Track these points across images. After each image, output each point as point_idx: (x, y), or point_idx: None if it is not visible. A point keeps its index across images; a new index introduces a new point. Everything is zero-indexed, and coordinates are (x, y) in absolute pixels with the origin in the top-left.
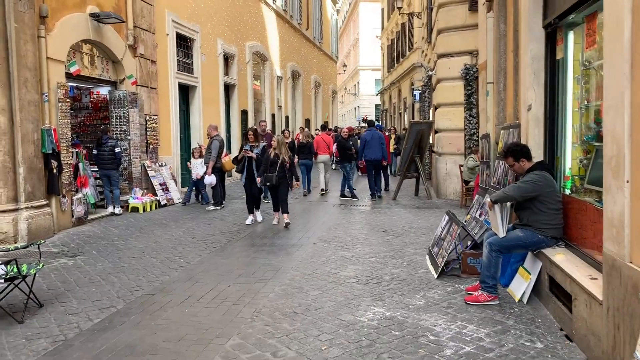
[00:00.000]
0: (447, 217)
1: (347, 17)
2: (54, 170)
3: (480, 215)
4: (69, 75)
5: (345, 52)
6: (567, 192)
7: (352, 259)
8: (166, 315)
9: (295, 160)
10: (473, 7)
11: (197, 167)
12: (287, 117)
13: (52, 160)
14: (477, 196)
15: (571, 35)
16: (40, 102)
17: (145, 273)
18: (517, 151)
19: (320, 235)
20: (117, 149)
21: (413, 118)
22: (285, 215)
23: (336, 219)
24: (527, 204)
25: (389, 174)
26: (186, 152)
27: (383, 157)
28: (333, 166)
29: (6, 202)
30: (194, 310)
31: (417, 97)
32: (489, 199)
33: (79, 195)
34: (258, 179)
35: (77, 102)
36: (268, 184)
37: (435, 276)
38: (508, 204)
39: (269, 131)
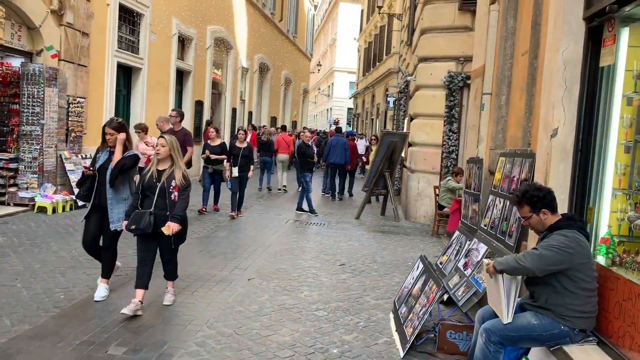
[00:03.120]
0: (421, 266)
1: (326, 16)
2: None
3: (465, 267)
4: None
5: (321, 51)
6: (603, 262)
7: (294, 310)
8: None
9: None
10: (464, 7)
11: None
12: (250, 113)
13: None
14: (457, 233)
15: (625, 34)
16: None
17: (1, 314)
18: (538, 199)
19: (260, 265)
20: None
21: (385, 127)
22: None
23: (286, 241)
24: (547, 278)
25: (354, 178)
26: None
27: (346, 162)
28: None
29: None
30: None
31: (391, 105)
32: (489, 263)
33: None
34: (123, 223)
35: None
36: (135, 229)
37: (402, 354)
38: (519, 277)
39: (183, 127)
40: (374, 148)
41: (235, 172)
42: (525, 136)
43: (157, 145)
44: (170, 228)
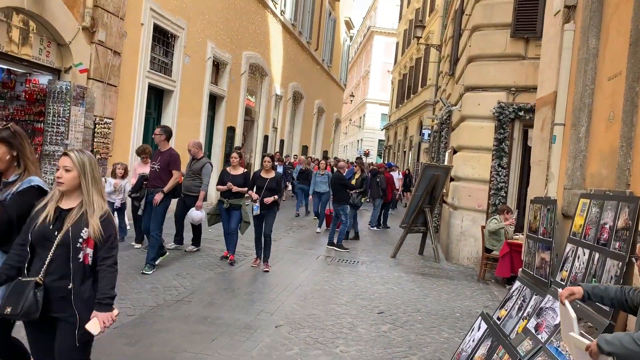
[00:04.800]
0: (483, 326)
1: (360, 48)
2: None
3: (538, 330)
4: None
5: (354, 83)
6: None
7: None
8: None
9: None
10: (517, 34)
11: (123, 189)
12: (282, 141)
13: None
14: (518, 284)
15: None
16: None
17: None
18: None
19: (289, 309)
20: None
21: (418, 159)
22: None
23: (317, 280)
24: None
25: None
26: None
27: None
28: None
29: None
30: None
31: (426, 137)
32: (593, 344)
33: None
34: None
35: (8, 90)
36: (10, 313)
37: None
38: None
39: (171, 148)
40: (356, 175)
41: (257, 209)
42: (621, 175)
43: (58, 169)
44: (99, 324)
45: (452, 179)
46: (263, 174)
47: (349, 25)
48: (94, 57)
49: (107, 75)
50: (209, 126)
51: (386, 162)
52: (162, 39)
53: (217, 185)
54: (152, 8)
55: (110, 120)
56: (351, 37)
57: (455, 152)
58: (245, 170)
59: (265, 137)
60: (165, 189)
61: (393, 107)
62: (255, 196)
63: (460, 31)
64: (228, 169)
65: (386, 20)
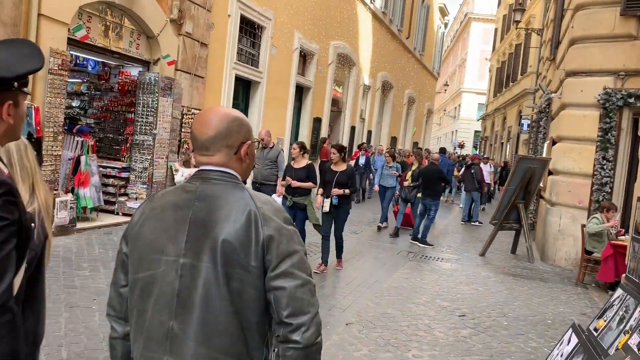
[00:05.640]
0: (574, 339)
1: (456, 37)
2: None
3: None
4: (81, 45)
5: (449, 72)
6: None
7: None
8: None
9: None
10: (629, 10)
11: None
12: (369, 132)
13: None
14: (620, 291)
15: None
16: None
17: (62, 342)
18: None
19: (362, 306)
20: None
21: (517, 151)
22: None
23: (396, 277)
24: None
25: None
26: None
27: None
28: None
29: None
30: None
31: (525, 127)
32: None
33: (65, 197)
34: None
35: (104, 82)
36: None
37: None
38: None
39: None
40: (413, 167)
41: (327, 206)
42: None
43: None
44: None
45: (550, 173)
46: (333, 167)
47: (443, 12)
48: (181, 49)
49: (195, 67)
50: (295, 117)
51: (480, 154)
52: (249, 30)
53: (280, 181)
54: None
55: (198, 111)
56: (446, 25)
57: (554, 143)
58: (310, 162)
59: (352, 128)
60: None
61: (490, 97)
62: (281, 189)
63: (563, 11)
64: (292, 162)
65: (484, 6)
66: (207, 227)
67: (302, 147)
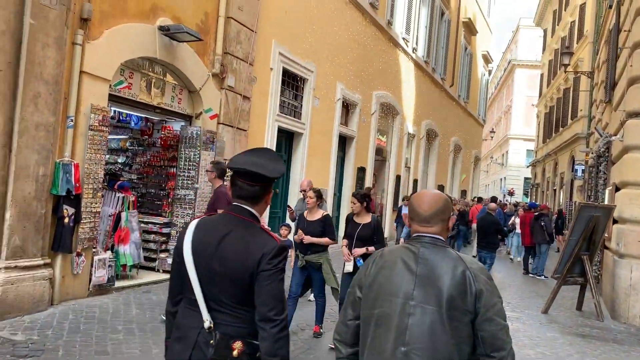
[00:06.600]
0: None
1: (501, 83)
2: (66, 220)
3: None
4: (123, 101)
5: (495, 118)
6: None
7: None
8: None
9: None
10: None
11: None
12: (415, 181)
13: (66, 206)
14: None
15: None
16: (59, 126)
17: None
18: None
19: None
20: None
21: (571, 197)
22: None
23: None
24: None
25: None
26: (281, 211)
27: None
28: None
29: None
30: None
31: (580, 173)
32: None
33: (104, 255)
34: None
35: (147, 138)
36: None
37: None
38: None
39: (221, 185)
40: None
41: (350, 266)
42: None
43: None
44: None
45: (615, 221)
46: (355, 219)
47: (487, 59)
48: (223, 102)
49: (237, 120)
50: (338, 167)
51: (531, 201)
52: (291, 82)
53: (294, 236)
54: (281, 53)
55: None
56: (490, 72)
57: (617, 189)
58: (326, 213)
59: (398, 177)
60: None
61: (539, 142)
62: (347, 255)
63: (618, 51)
64: (305, 213)
65: (528, 52)
66: (431, 279)
67: (318, 195)
